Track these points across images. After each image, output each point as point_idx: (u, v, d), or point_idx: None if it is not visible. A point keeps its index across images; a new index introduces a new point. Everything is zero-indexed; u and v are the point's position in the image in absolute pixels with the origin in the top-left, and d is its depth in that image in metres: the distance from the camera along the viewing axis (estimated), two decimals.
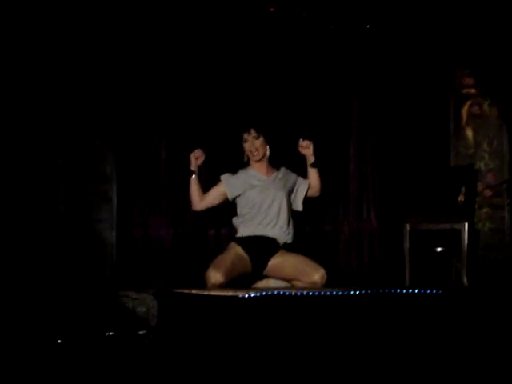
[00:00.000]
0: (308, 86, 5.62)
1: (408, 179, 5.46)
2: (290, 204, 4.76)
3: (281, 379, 3.44)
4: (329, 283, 4.52)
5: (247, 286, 4.60)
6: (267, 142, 4.76)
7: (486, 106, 5.50)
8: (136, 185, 5.49)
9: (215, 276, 4.41)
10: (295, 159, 4.87)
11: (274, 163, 4.81)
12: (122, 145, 5.42)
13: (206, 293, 3.89)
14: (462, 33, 5.38)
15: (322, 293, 3.79)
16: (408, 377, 3.46)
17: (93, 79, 5.31)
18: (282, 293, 3.78)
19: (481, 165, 5.48)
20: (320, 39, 5.58)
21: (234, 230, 4.80)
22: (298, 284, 4.56)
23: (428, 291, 3.71)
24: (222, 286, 4.38)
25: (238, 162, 4.81)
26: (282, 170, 4.83)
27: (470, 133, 5.52)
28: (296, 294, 3.75)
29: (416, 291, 3.72)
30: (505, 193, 5.42)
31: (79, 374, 3.46)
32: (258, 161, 4.76)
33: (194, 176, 4.70)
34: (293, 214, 4.80)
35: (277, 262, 4.65)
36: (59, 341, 3.58)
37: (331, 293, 3.77)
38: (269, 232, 4.68)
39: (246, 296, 3.68)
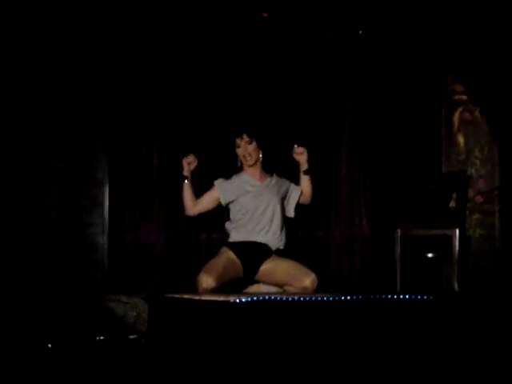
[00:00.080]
0: (300, 92, 5.63)
1: (400, 185, 5.47)
2: (283, 210, 4.75)
3: None
4: (320, 289, 4.51)
5: (239, 291, 4.59)
6: (260, 146, 4.77)
7: (477, 113, 5.52)
8: (128, 189, 5.49)
9: (207, 281, 4.40)
10: (287, 164, 4.87)
11: (267, 168, 4.81)
12: (114, 149, 5.42)
13: (197, 297, 3.88)
14: (452, 42, 5.41)
15: (313, 298, 3.80)
16: (399, 382, 3.46)
17: (85, 83, 5.32)
18: (273, 298, 3.78)
19: (472, 171, 5.49)
20: (313, 45, 5.60)
21: (227, 234, 4.79)
22: (290, 289, 4.55)
23: (419, 297, 3.72)
24: (213, 291, 4.36)
25: (230, 167, 4.80)
26: (275, 175, 4.82)
27: (461, 139, 5.53)
28: (287, 299, 3.76)
29: (407, 297, 3.73)
30: (496, 199, 5.44)
31: (70, 379, 3.46)
32: (251, 166, 4.76)
33: (186, 181, 4.68)
34: (285, 220, 4.80)
35: (268, 267, 4.64)
36: (50, 345, 3.58)
37: (322, 298, 3.77)
38: (261, 238, 4.67)
39: (238, 301, 3.68)
